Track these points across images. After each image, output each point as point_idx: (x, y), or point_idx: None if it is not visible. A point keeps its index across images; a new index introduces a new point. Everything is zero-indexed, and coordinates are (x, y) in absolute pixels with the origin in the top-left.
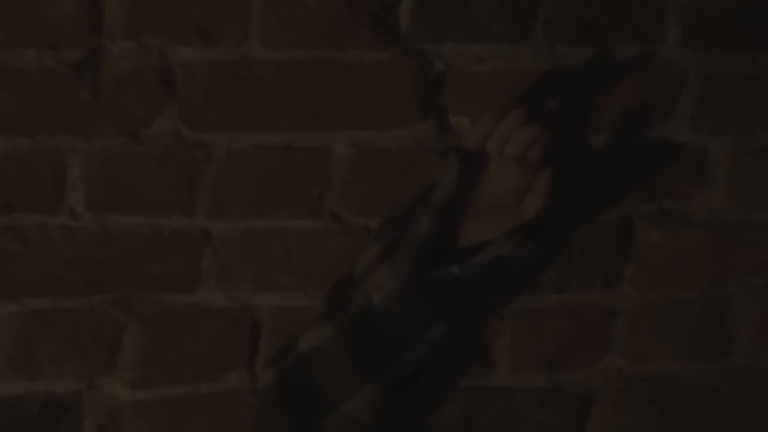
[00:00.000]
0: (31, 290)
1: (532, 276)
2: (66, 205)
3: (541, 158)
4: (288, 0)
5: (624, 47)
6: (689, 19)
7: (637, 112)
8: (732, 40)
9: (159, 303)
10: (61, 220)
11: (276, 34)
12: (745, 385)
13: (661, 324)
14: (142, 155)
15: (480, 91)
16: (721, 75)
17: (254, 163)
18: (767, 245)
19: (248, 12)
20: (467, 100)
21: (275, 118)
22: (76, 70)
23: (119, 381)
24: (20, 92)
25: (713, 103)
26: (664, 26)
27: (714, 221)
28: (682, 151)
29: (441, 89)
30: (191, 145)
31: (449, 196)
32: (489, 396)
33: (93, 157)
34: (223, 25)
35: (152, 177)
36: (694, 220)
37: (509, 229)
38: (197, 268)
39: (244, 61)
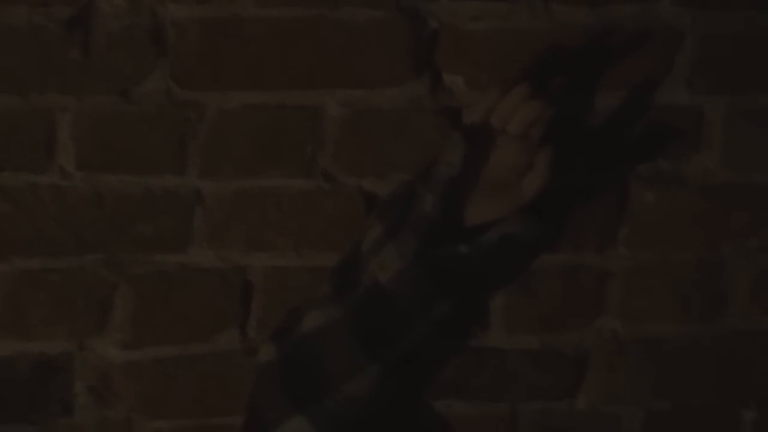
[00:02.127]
0: (20, 250)
1: (537, 252)
2: (56, 164)
3: (543, 136)
4: None
5: (619, 6)
6: None
7: (633, 72)
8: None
9: (150, 263)
10: (51, 180)
11: None
12: (740, 347)
13: (656, 285)
14: (133, 114)
15: (474, 49)
16: (717, 35)
17: (246, 122)
18: (762, 207)
19: None
20: (461, 59)
21: (267, 77)
22: (66, 28)
23: (110, 342)
24: (10, 50)
25: (709, 64)
26: None
27: (709, 182)
28: (677, 112)
29: (435, 48)
30: (183, 105)
31: (454, 175)
32: (483, 357)
33: (83, 116)
34: None
35: (143, 136)
36: (690, 181)
37: (515, 209)
38: (188, 228)
39: (236, 20)
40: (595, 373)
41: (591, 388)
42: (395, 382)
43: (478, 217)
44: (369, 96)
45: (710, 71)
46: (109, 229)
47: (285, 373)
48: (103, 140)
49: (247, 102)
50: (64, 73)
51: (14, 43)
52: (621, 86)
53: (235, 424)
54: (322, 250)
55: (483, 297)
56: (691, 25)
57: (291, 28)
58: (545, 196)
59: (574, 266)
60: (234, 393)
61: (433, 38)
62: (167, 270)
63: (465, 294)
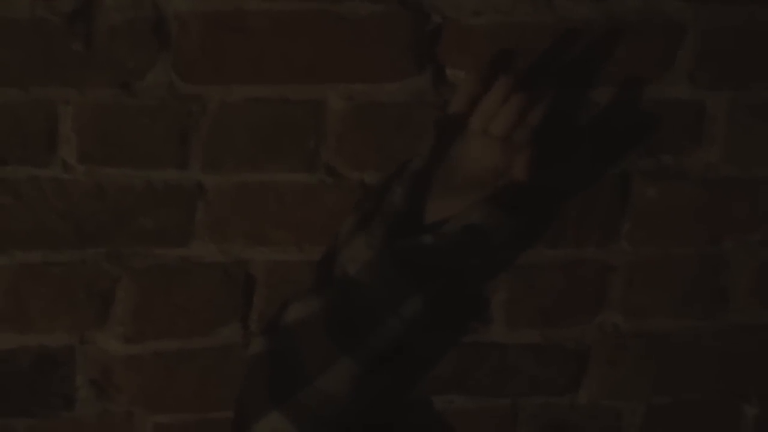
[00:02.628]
0: (22, 243)
1: (513, 251)
2: (58, 157)
3: (528, 137)
4: None
5: (622, 1)
6: None
7: (635, 66)
8: None
9: (152, 257)
10: (53, 173)
11: None
12: (741, 342)
13: (658, 280)
14: (135, 107)
15: (477, 44)
16: (720, 29)
17: (248, 116)
18: (764, 201)
19: None
20: (464, 54)
21: (270, 71)
22: (69, 21)
23: (111, 335)
24: (12, 43)
25: (711, 58)
26: None
27: (711, 177)
28: (679, 106)
29: (437, 42)
30: (185, 98)
31: (423, 166)
32: (484, 351)
33: (86, 109)
34: None
35: (145, 129)
36: (692, 175)
37: (481, 198)
38: (190, 222)
39: (239, 13)
40: (596, 367)
41: (592, 382)
42: (378, 382)
43: (448, 212)
44: (371, 90)
45: (712, 65)
46: (110, 222)
47: (269, 367)
48: (105, 133)
49: (250, 95)
50: (66, 65)
51: (17, 35)
52: (623, 80)
53: None
54: (324, 244)
55: (473, 291)
56: (693, 19)
57: (293, 21)
58: (528, 196)
59: (576, 260)
60: (235, 387)
61: (435, 32)
62: (169, 263)
63: (439, 291)
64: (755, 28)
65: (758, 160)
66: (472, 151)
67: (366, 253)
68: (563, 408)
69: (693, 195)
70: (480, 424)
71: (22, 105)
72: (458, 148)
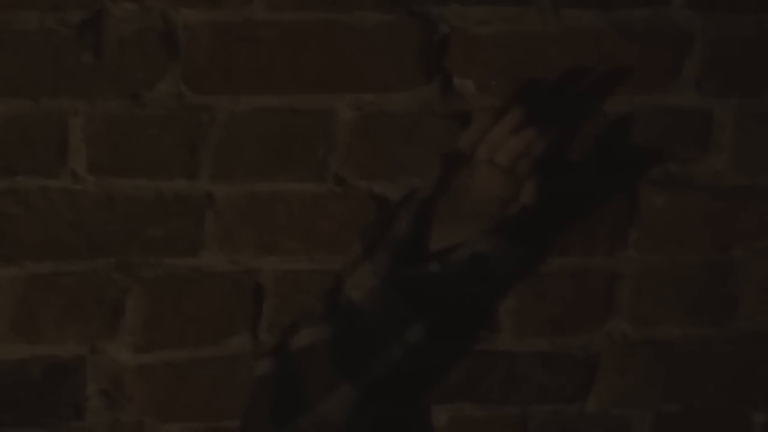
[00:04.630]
0: (33, 254)
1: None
2: (68, 168)
3: (532, 167)
4: None
5: (629, 10)
6: None
7: (642, 75)
8: (737, 2)
9: (161, 267)
10: (64, 184)
11: None
12: (749, 350)
13: (666, 288)
14: (144, 118)
15: (484, 53)
16: (727, 38)
17: (257, 126)
18: None
19: None
20: (471, 63)
21: (278, 81)
22: (78, 32)
23: (122, 345)
24: (22, 54)
25: (719, 67)
26: None
27: (719, 185)
28: (687, 114)
29: (445, 52)
30: (194, 108)
31: (429, 197)
32: (493, 360)
33: (95, 119)
34: None
35: (155, 140)
36: (699, 183)
37: (488, 227)
38: (200, 232)
39: (248, 23)
40: (605, 375)
41: (601, 390)
42: (372, 410)
43: (453, 240)
44: (380, 100)
45: (720, 74)
46: (120, 232)
47: (272, 391)
48: (114, 144)
49: (258, 106)
50: (75, 77)
51: (26, 47)
52: (630, 89)
53: None
54: (333, 254)
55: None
56: (700, 28)
57: (302, 32)
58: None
59: (584, 269)
60: (245, 396)
61: (443, 42)
62: (179, 273)
63: (441, 319)
64: (762, 36)
65: (766, 168)
66: (477, 181)
67: (371, 280)
68: (572, 416)
69: (701, 203)
70: None
71: (32, 116)
72: (464, 177)
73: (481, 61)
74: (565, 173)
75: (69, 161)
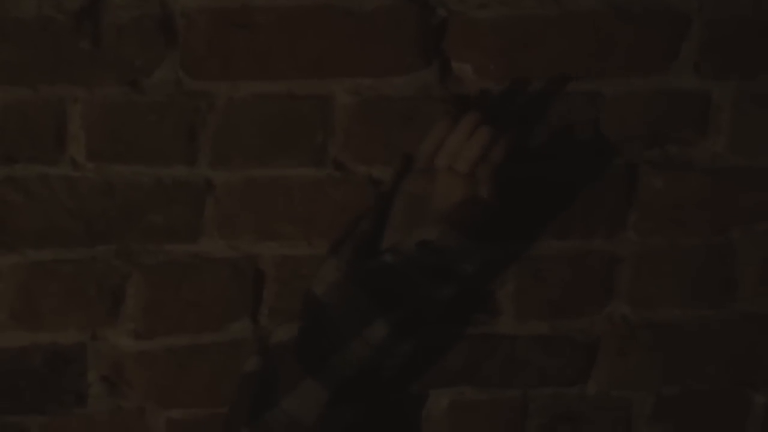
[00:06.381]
0: (33, 241)
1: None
2: (67, 155)
3: (491, 173)
4: None
5: None
6: None
7: (640, 57)
8: None
9: (161, 253)
10: (63, 171)
11: None
12: (749, 331)
13: (665, 270)
14: (143, 105)
15: (482, 37)
16: (724, 19)
17: (256, 111)
18: None
19: None
20: (470, 47)
21: (277, 67)
22: (76, 19)
23: (123, 331)
24: (20, 42)
25: (716, 48)
26: None
27: (718, 167)
28: (685, 96)
29: (443, 36)
30: (192, 95)
31: (388, 192)
32: (493, 344)
33: (94, 106)
34: None
35: (154, 126)
36: (698, 165)
37: (435, 216)
38: (199, 218)
39: (245, 9)
40: (605, 358)
41: (601, 373)
42: (346, 417)
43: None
44: (378, 84)
45: (717, 55)
46: (120, 219)
47: (253, 387)
48: (113, 131)
49: (257, 91)
50: (74, 64)
51: (24, 34)
52: (628, 71)
53: None
54: (333, 238)
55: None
56: (698, 10)
57: (300, 17)
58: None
59: (584, 252)
60: None
61: (441, 26)
62: (179, 260)
63: (405, 319)
64: (760, 17)
65: (764, 150)
66: (438, 187)
67: (333, 274)
68: (572, 399)
69: (699, 185)
70: (490, 415)
71: (30, 104)
72: (426, 185)
73: (480, 45)
74: (562, 156)
75: (68, 148)
